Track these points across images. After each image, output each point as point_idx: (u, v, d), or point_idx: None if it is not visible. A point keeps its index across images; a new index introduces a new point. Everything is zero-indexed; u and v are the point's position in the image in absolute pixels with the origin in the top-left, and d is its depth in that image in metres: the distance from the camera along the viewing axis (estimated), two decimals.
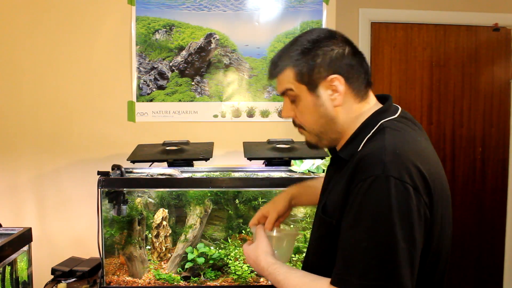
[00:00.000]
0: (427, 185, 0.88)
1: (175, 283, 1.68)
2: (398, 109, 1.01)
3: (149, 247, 1.75)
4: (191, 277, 1.70)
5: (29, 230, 1.49)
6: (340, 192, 0.94)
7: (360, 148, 0.95)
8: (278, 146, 1.85)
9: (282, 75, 1.01)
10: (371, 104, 1.01)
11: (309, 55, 0.97)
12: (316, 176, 1.64)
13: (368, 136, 0.95)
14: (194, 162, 1.81)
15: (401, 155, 0.88)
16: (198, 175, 1.81)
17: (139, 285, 1.68)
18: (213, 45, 2.19)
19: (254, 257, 1.09)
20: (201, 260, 1.70)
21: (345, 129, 1.00)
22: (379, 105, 1.02)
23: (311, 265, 1.06)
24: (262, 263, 1.06)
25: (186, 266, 1.71)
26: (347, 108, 0.98)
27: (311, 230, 1.13)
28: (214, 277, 1.70)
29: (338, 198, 0.94)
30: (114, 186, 1.65)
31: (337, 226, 0.93)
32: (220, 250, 1.71)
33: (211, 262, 1.71)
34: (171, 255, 1.74)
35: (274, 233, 1.21)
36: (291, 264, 1.67)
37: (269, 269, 1.03)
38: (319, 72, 0.96)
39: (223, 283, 1.68)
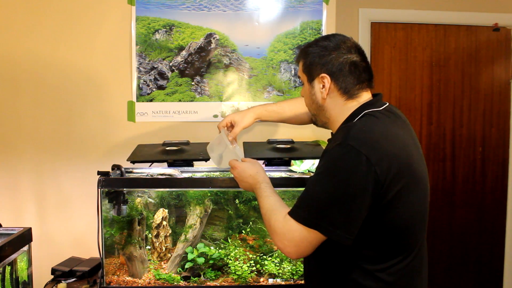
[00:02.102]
0: (386, 160, 1.08)
1: (175, 283, 1.69)
2: (384, 104, 1.23)
3: (149, 247, 1.75)
4: (191, 277, 1.70)
5: (29, 230, 1.48)
6: None
7: None
8: (278, 146, 1.85)
9: (299, 63, 1.31)
10: (361, 101, 1.23)
11: (315, 55, 1.24)
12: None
13: (353, 122, 1.18)
14: (194, 162, 1.81)
15: (366, 131, 1.12)
16: (198, 175, 1.81)
17: (139, 285, 1.68)
18: (213, 45, 2.19)
19: (253, 171, 1.36)
20: (201, 260, 1.70)
21: (334, 117, 1.26)
22: None
23: None
24: (261, 178, 1.33)
25: (186, 266, 1.71)
26: (333, 101, 1.24)
27: None
28: (214, 277, 1.70)
29: None
30: (114, 186, 1.65)
31: None
32: (220, 250, 1.71)
33: (211, 262, 1.71)
34: (171, 255, 1.74)
35: (231, 146, 1.54)
36: None
37: (262, 185, 1.31)
38: (315, 69, 1.24)
39: (223, 283, 1.69)
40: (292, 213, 1.15)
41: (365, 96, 1.24)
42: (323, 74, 1.22)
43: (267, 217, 1.22)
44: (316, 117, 1.32)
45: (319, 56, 1.22)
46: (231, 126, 1.62)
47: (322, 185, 1.11)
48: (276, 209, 1.21)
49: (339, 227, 1.08)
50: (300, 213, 1.13)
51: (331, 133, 1.32)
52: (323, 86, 1.23)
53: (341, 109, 1.23)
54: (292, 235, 1.13)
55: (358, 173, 1.06)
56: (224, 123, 1.63)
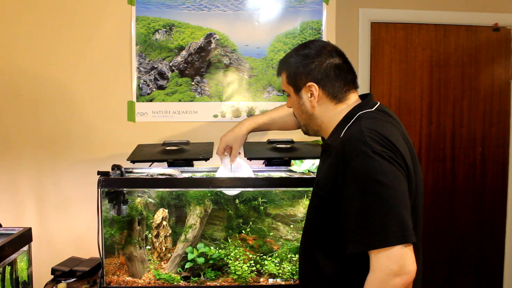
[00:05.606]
0: (400, 152, 1.10)
1: (175, 283, 1.69)
2: (376, 104, 1.23)
3: (149, 247, 1.75)
4: (191, 277, 1.70)
5: (29, 230, 1.49)
6: (327, 169, 1.18)
7: (342, 134, 1.17)
8: (278, 146, 1.86)
9: (282, 76, 1.30)
10: (350, 104, 1.23)
11: (298, 65, 1.23)
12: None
13: (348, 125, 1.18)
14: (194, 162, 1.81)
15: (376, 133, 1.10)
16: (198, 175, 1.81)
17: (139, 285, 1.68)
18: (213, 45, 2.19)
19: None
20: (201, 260, 1.70)
21: (326, 123, 1.25)
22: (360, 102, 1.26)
23: (306, 230, 1.31)
24: None
25: (186, 266, 1.71)
26: (323, 108, 1.24)
27: (308, 203, 1.35)
28: (214, 277, 1.70)
29: (327, 174, 1.17)
30: (114, 186, 1.65)
31: (327, 197, 1.16)
32: (220, 250, 1.71)
33: (211, 262, 1.71)
34: (171, 255, 1.74)
35: (239, 159, 1.67)
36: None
37: None
38: (301, 79, 1.23)
39: (223, 283, 1.69)
40: (366, 246, 1.04)
41: (353, 97, 1.25)
42: (309, 83, 1.21)
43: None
44: (307, 127, 1.31)
45: (303, 65, 1.21)
46: (229, 148, 1.65)
47: (378, 200, 1.03)
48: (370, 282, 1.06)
49: (410, 226, 1.04)
50: (377, 238, 1.03)
51: (322, 138, 1.31)
52: (312, 94, 1.22)
53: (331, 114, 1.23)
54: (386, 263, 1.02)
55: (395, 170, 1.06)
56: (221, 150, 1.65)
